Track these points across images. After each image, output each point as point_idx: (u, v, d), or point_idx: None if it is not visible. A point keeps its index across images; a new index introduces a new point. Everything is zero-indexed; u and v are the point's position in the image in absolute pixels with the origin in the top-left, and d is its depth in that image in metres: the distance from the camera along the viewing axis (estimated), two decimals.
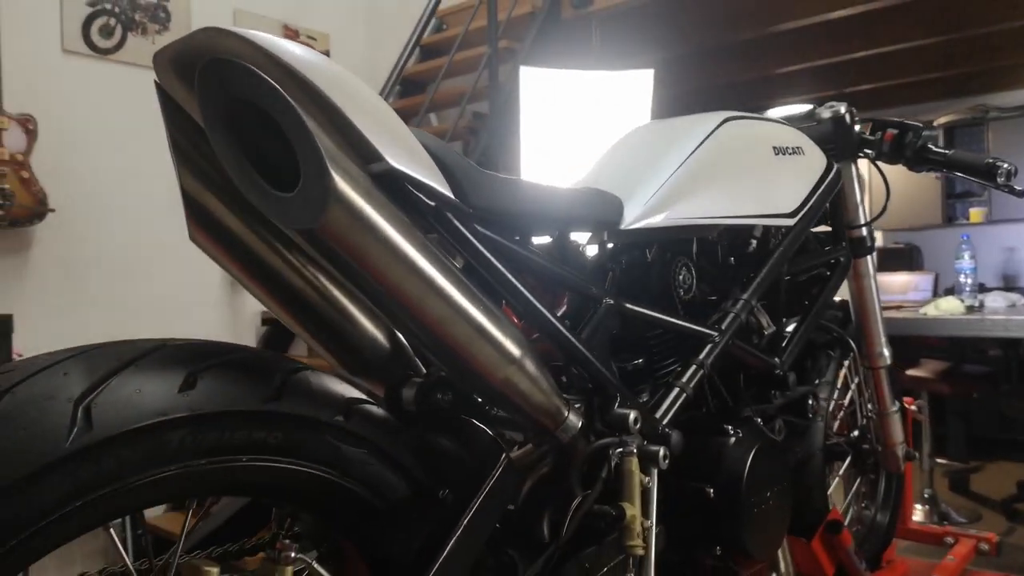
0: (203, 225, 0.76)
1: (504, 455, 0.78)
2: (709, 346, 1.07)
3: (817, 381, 1.62)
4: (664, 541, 0.97)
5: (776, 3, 4.23)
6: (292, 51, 0.66)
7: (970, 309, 3.32)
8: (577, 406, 0.90)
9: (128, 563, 0.65)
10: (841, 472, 1.75)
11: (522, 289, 0.83)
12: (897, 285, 5.88)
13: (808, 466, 1.56)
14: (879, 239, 6.37)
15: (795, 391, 1.35)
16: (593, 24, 3.98)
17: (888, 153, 1.49)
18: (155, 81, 0.72)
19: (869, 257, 1.64)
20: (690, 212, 1.09)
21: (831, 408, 1.82)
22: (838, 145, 1.53)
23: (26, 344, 2.68)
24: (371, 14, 4.26)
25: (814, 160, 1.35)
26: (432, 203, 0.75)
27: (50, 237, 2.99)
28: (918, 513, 3.51)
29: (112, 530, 0.62)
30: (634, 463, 0.84)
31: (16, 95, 2.86)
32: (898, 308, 4.01)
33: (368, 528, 0.73)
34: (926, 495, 3.68)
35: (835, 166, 1.41)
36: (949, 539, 2.10)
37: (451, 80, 4.00)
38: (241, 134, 0.64)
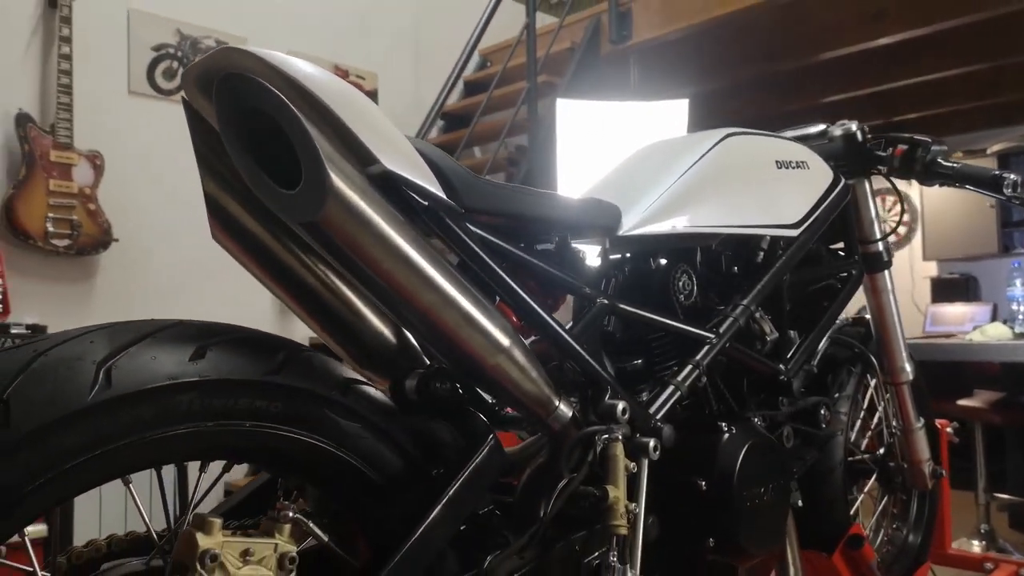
0: (224, 226, 0.85)
1: (491, 435, 0.84)
2: (706, 347, 1.11)
3: (836, 395, 1.63)
4: (657, 531, 1.01)
5: (817, 33, 4.26)
6: (298, 66, 0.75)
7: (1020, 336, 3.24)
8: (573, 400, 0.95)
9: (146, 521, 0.73)
10: (866, 489, 1.75)
11: (512, 284, 0.89)
12: (953, 316, 5.74)
13: (828, 480, 1.57)
14: (933, 270, 6.25)
15: (805, 400, 1.37)
16: (631, 59, 4.07)
17: (899, 168, 1.51)
18: (182, 97, 0.82)
19: (887, 272, 1.66)
20: (687, 221, 1.14)
21: (857, 425, 1.82)
22: (850, 161, 1.56)
23: None
24: (418, 53, 4.44)
25: (819, 174, 1.39)
26: (425, 202, 0.82)
27: (113, 265, 3.19)
28: (975, 548, 3.39)
29: (131, 486, 0.70)
30: (619, 448, 0.89)
31: (86, 133, 3.08)
32: (947, 337, 3.92)
33: (364, 500, 0.79)
34: (983, 530, 3.56)
35: (843, 180, 1.44)
36: (988, 564, 2.05)
37: (495, 114, 4.13)
38: (252, 139, 0.73)
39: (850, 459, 1.71)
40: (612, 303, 1.03)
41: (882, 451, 1.78)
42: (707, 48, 4.23)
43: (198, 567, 0.64)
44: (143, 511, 0.75)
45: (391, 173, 0.77)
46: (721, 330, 1.14)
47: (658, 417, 1.02)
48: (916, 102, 5.50)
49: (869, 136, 1.58)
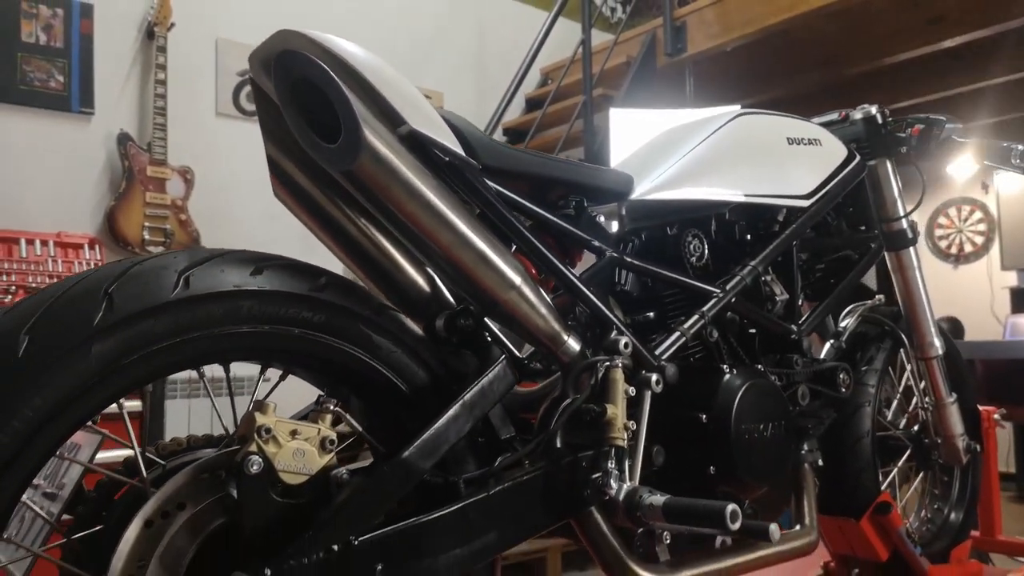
0: (282, 182, 1.02)
1: (503, 355, 0.97)
2: (713, 300, 1.22)
3: (864, 368, 1.69)
4: (664, 459, 1.12)
5: (874, 39, 4.25)
6: (341, 44, 0.92)
7: None
8: (587, 347, 1.08)
9: (215, 409, 0.90)
10: (900, 464, 1.79)
11: (524, 230, 1.03)
12: None
13: (855, 449, 1.63)
14: (1013, 279, 6.03)
15: (822, 363, 1.45)
16: (687, 70, 4.17)
17: (917, 147, 1.59)
18: (249, 77, 1.00)
19: (912, 249, 1.71)
20: (696, 190, 1.26)
21: (894, 405, 1.87)
22: (872, 143, 1.64)
23: None
24: (479, 73, 4.66)
25: (832, 151, 1.48)
26: (446, 158, 0.97)
27: None
28: None
29: (204, 380, 0.87)
30: (618, 373, 1.01)
31: (178, 150, 3.39)
32: None
33: (394, 407, 0.94)
34: None
35: (857, 157, 1.53)
36: None
37: (556, 128, 4.29)
38: (303, 105, 0.90)
39: (883, 434, 1.77)
40: (620, 256, 1.16)
41: (916, 428, 1.82)
42: (763, 57, 4.29)
43: (256, 438, 0.79)
44: (216, 405, 0.91)
45: (416, 132, 0.92)
46: (728, 286, 1.25)
47: (664, 358, 1.13)
48: (994, 106, 5.37)
49: (890, 119, 1.66)
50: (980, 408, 2.06)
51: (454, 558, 0.87)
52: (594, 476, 1.02)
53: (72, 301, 0.73)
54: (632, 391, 1.03)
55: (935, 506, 1.95)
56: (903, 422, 1.89)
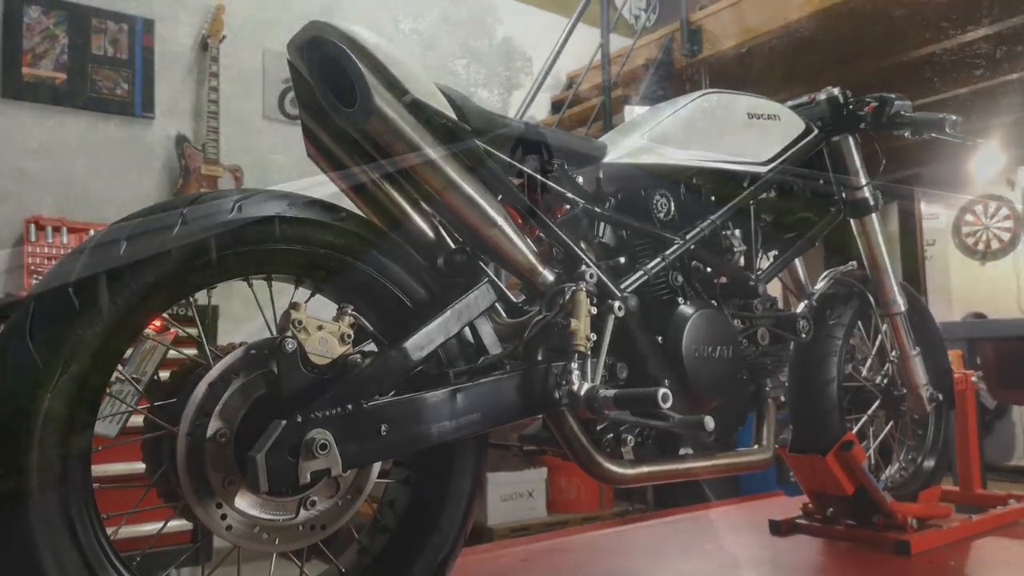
0: (314, 145, 1.27)
1: (486, 278, 1.21)
2: (675, 246, 1.44)
3: (832, 323, 1.88)
4: (628, 374, 1.34)
5: (893, 34, 4.35)
6: (360, 32, 1.17)
7: None
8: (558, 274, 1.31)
9: (264, 316, 1.15)
10: (870, 412, 1.97)
11: (507, 182, 1.27)
12: None
13: (822, 394, 1.83)
14: None
15: (784, 311, 1.66)
16: (703, 70, 4.37)
17: (871, 122, 1.79)
18: (287, 60, 1.26)
19: (875, 216, 1.90)
20: (661, 155, 1.49)
21: (868, 362, 2.05)
22: (835, 120, 1.84)
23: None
24: (509, 79, 4.93)
25: (790, 125, 1.69)
26: (442, 121, 1.21)
27: None
28: None
29: (253, 288, 1.12)
30: (582, 295, 1.23)
31: (228, 151, 3.72)
32: None
33: (402, 318, 1.18)
34: None
35: (816, 131, 1.74)
36: (1012, 501, 2.19)
37: (577, 129, 4.52)
38: (329, 79, 1.15)
39: (854, 385, 1.96)
40: (591, 208, 1.39)
41: (885, 380, 2.00)
42: (780, 57, 4.45)
43: (291, 327, 1.05)
44: (262, 310, 1.17)
45: (417, 100, 1.17)
46: (688, 236, 1.47)
47: (628, 291, 1.36)
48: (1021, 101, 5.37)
49: (851, 99, 1.86)
50: (957, 371, 2.23)
51: (444, 428, 1.11)
52: (564, 384, 1.24)
53: (158, 218, 0.99)
54: (595, 310, 1.26)
55: (910, 456, 2.13)
56: (878, 379, 2.07)
